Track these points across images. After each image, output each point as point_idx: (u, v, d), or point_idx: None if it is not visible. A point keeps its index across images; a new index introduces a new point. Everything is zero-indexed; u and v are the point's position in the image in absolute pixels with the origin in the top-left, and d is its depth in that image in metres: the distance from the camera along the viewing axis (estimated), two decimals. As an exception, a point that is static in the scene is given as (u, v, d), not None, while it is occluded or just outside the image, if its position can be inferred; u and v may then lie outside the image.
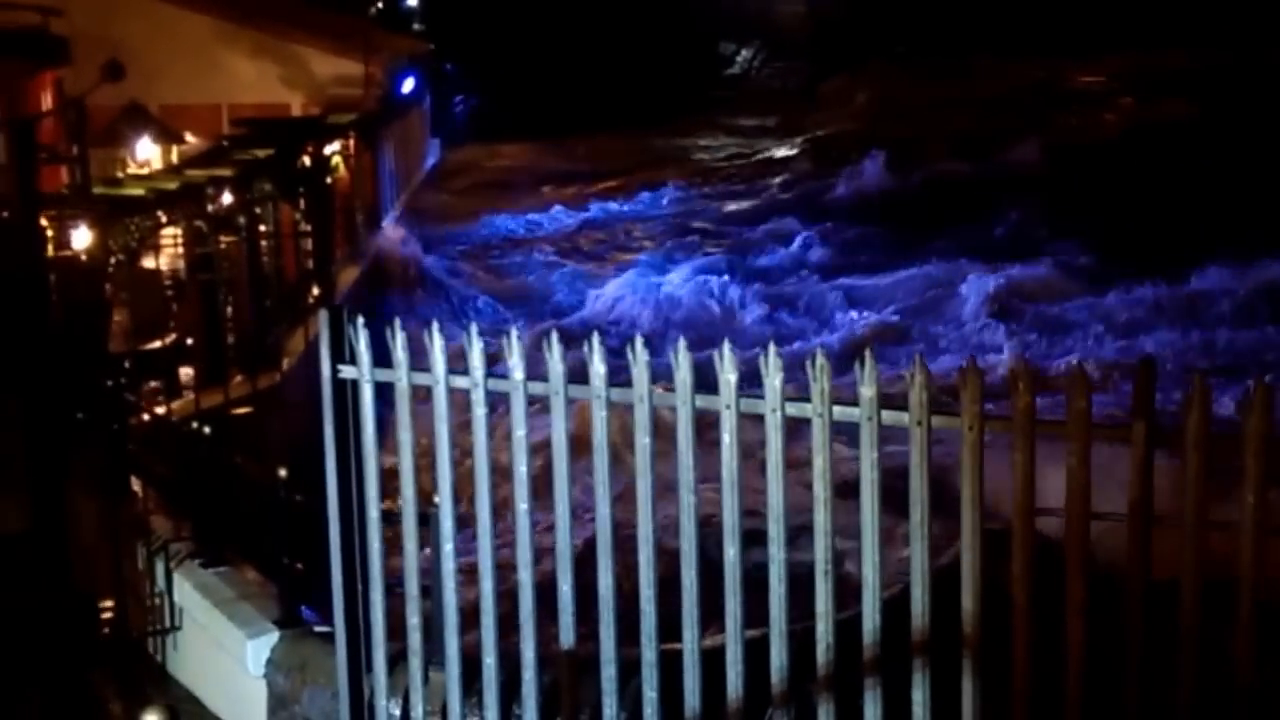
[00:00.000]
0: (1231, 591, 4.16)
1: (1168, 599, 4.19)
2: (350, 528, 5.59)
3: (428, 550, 5.51)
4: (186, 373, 14.16)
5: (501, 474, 5.21)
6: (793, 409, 4.62)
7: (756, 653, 4.77)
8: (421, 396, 5.38)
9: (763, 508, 4.71)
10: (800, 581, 4.64)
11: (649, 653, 4.97)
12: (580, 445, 4.98)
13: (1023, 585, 4.39)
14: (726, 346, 4.72)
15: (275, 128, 19.21)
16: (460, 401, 5.27)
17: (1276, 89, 41.80)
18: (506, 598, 5.28)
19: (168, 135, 20.54)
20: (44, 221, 9.52)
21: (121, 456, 8.58)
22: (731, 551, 4.77)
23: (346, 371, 5.51)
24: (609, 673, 5.09)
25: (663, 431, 4.89)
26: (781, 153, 46.12)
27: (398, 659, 5.62)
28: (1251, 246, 27.37)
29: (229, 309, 14.92)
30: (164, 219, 13.46)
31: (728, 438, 4.74)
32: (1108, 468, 4.39)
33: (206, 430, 7.91)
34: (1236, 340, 24.00)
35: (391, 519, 5.56)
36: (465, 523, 5.37)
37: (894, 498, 4.55)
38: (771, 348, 4.66)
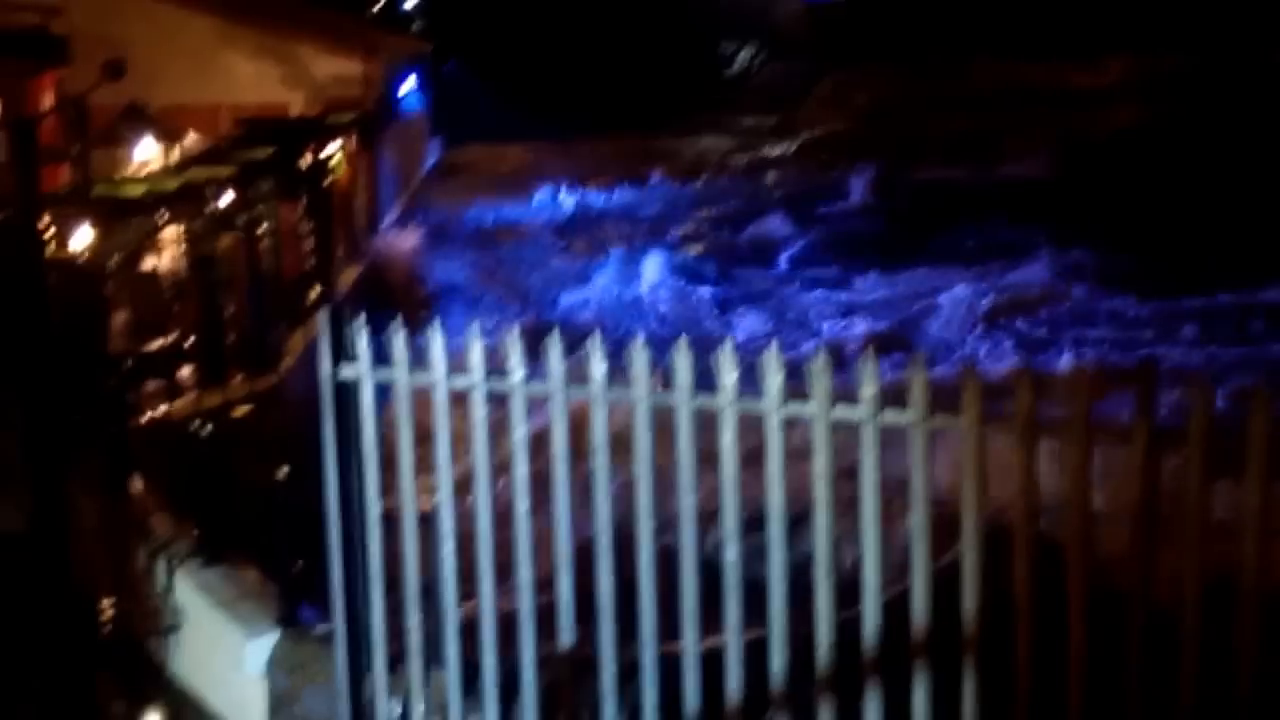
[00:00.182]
0: (1230, 592, 4.16)
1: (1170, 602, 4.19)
2: (350, 527, 5.59)
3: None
4: (186, 373, 14.16)
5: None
6: (793, 409, 4.61)
7: (756, 654, 4.76)
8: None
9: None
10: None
11: (649, 654, 4.97)
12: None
13: (1024, 586, 4.39)
14: (727, 346, 4.72)
15: (275, 128, 19.20)
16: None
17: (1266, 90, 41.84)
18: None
19: (168, 135, 20.52)
20: (44, 221, 9.51)
21: (121, 456, 8.58)
22: (731, 551, 4.77)
23: (346, 371, 5.51)
24: (608, 673, 5.09)
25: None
26: (775, 152, 46.20)
27: (398, 659, 5.62)
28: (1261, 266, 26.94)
29: (229, 309, 14.91)
30: (164, 219, 13.45)
31: (728, 437, 4.74)
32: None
33: (206, 430, 7.91)
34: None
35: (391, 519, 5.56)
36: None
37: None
38: (772, 347, 4.66)
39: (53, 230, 9.91)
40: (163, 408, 10.70)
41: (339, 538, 5.60)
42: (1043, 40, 51.13)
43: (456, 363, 5.26)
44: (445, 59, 41.97)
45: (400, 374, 5.38)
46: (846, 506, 4.58)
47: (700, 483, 4.81)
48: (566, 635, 5.17)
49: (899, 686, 4.52)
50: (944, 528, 4.46)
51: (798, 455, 4.66)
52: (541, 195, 39.74)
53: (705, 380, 4.72)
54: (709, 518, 4.81)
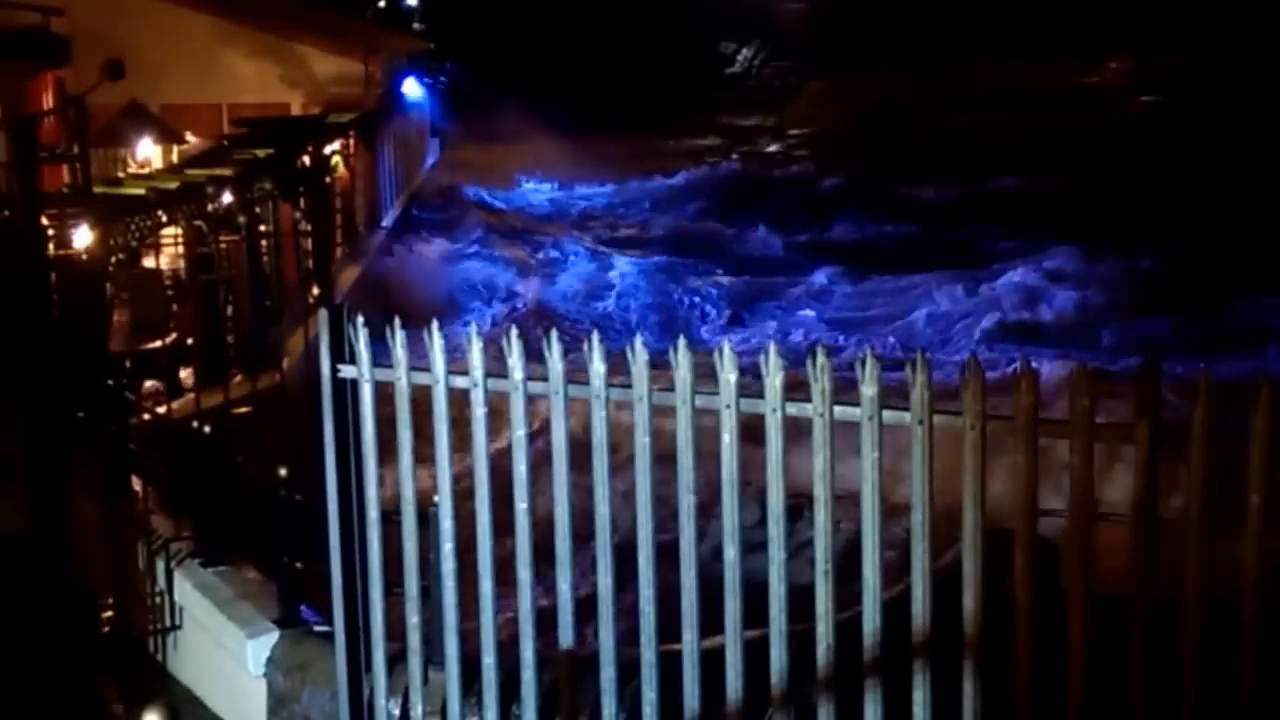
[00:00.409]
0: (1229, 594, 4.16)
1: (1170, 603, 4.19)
2: (350, 527, 5.59)
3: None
4: (186, 373, 14.16)
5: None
6: (793, 409, 4.61)
7: (756, 654, 4.76)
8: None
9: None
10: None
11: (648, 653, 4.97)
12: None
13: (1024, 585, 4.38)
14: (727, 346, 4.72)
15: (275, 127, 19.20)
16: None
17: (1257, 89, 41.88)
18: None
19: (168, 135, 20.53)
20: (45, 221, 9.51)
21: (122, 456, 8.58)
22: (731, 551, 4.77)
23: (346, 371, 5.51)
24: (608, 673, 5.09)
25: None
26: (764, 152, 46.42)
27: (397, 659, 5.62)
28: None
29: (229, 309, 14.91)
30: (164, 219, 13.46)
31: (727, 438, 4.74)
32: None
33: (206, 430, 7.91)
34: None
35: (391, 518, 5.56)
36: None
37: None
38: (772, 347, 4.65)
39: (53, 230, 9.91)
40: (162, 408, 10.69)
41: (339, 537, 5.61)
42: (1044, 42, 51.13)
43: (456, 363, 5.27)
44: (445, 59, 42.00)
45: (400, 374, 5.38)
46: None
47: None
48: (566, 635, 5.17)
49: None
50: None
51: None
52: (525, 189, 40.23)
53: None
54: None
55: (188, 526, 7.56)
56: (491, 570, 5.30)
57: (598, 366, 4.93)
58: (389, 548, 5.54)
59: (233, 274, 14.88)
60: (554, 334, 5.04)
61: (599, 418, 4.97)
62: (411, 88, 32.10)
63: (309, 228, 17.50)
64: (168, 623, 7.47)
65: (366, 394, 5.48)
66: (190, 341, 14.36)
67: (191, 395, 12.63)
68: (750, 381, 4.67)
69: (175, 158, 20.26)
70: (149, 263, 14.86)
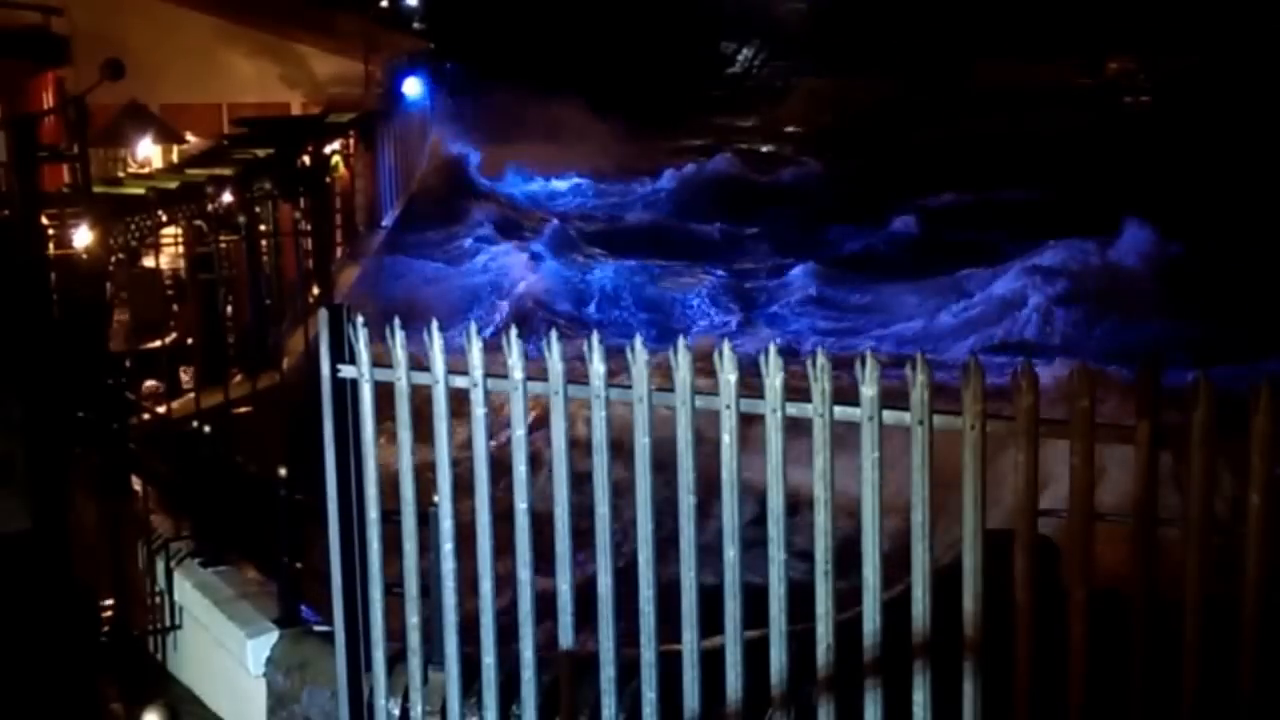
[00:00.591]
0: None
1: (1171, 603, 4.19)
2: (350, 527, 5.59)
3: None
4: (186, 372, 14.15)
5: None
6: (793, 409, 4.61)
7: (756, 653, 4.76)
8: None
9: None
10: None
11: (648, 653, 4.96)
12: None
13: (1025, 585, 4.38)
14: (726, 346, 4.72)
15: (275, 127, 19.19)
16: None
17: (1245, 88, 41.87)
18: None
19: (168, 134, 20.52)
20: (45, 220, 9.51)
21: (122, 456, 8.58)
22: (731, 552, 4.77)
23: (346, 371, 5.50)
24: (608, 673, 5.08)
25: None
26: (755, 151, 46.60)
27: (397, 658, 5.62)
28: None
29: (229, 309, 14.91)
30: (164, 218, 13.45)
31: (727, 438, 4.73)
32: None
33: (206, 430, 7.91)
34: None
35: (391, 518, 5.56)
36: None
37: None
38: (771, 347, 4.65)
39: (53, 229, 9.91)
40: (162, 407, 10.69)
41: (339, 537, 5.60)
42: (1047, 43, 51.12)
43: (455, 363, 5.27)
44: (445, 58, 42.04)
45: (400, 374, 5.38)
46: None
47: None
48: (566, 635, 5.17)
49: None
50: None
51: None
52: (525, 187, 40.46)
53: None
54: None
55: (188, 526, 7.56)
56: (491, 570, 5.30)
57: (597, 366, 4.93)
58: (388, 547, 5.55)
59: (233, 274, 14.87)
60: (554, 334, 5.04)
61: (599, 418, 4.97)
62: (411, 87, 32.09)
63: (309, 228, 17.49)
64: (168, 622, 7.48)
65: (366, 394, 5.48)
66: (190, 341, 14.35)
67: (191, 395, 12.64)
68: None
69: (175, 157, 20.24)
70: (149, 262, 14.86)
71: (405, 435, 5.38)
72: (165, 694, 7.06)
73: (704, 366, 4.73)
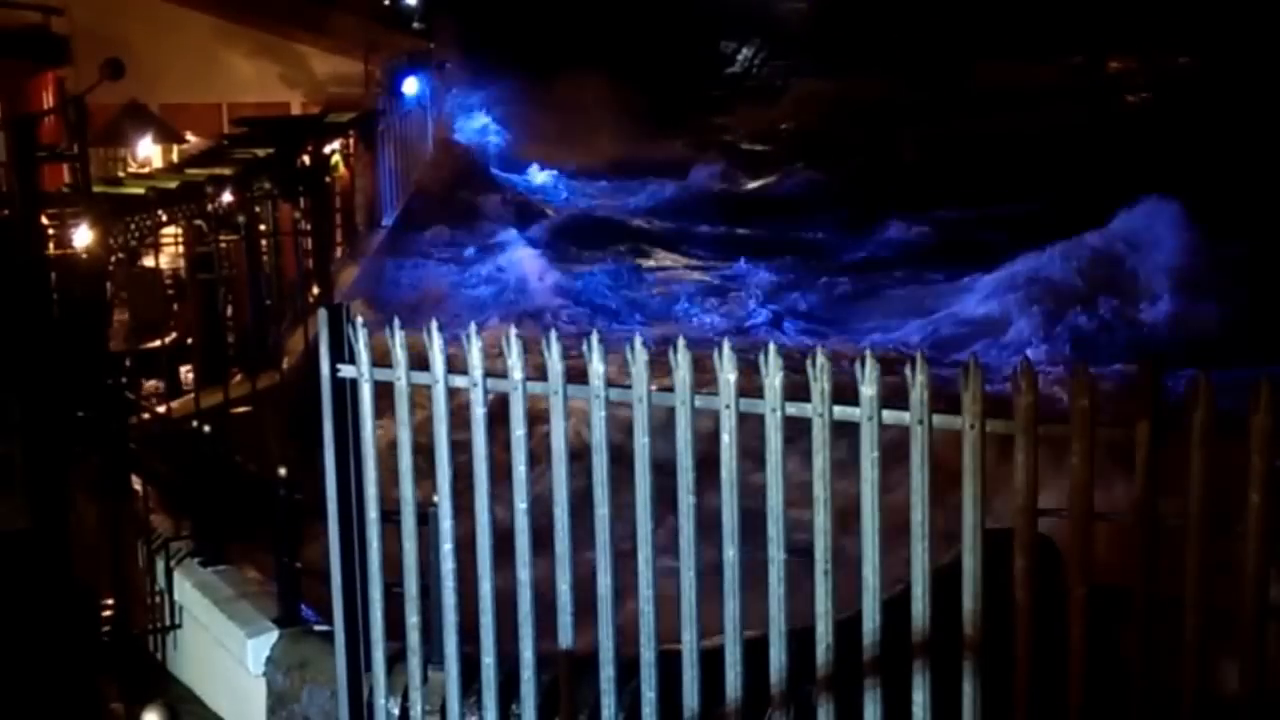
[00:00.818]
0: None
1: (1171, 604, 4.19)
2: (349, 527, 5.59)
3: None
4: (186, 372, 14.15)
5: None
6: (793, 409, 4.61)
7: (756, 653, 4.76)
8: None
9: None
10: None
11: (648, 653, 4.96)
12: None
13: (1024, 585, 4.38)
14: (726, 345, 4.72)
15: (275, 127, 19.18)
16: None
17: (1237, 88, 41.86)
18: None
19: (168, 134, 20.51)
20: (45, 220, 9.51)
21: (122, 455, 8.58)
22: (731, 551, 4.77)
23: (346, 370, 5.50)
24: (607, 673, 5.08)
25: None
26: (748, 150, 46.66)
27: (397, 658, 5.62)
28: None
29: (229, 308, 14.90)
30: (164, 218, 13.44)
31: (727, 438, 4.73)
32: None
33: (206, 429, 7.91)
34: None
35: (391, 518, 5.56)
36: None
37: None
38: (771, 347, 4.65)
39: (53, 229, 9.91)
40: (162, 407, 10.69)
41: (339, 537, 5.60)
42: (1046, 43, 51.05)
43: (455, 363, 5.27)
44: (445, 58, 42.04)
45: (399, 374, 5.38)
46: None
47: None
48: (566, 635, 5.17)
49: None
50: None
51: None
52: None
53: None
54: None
55: (188, 525, 7.56)
56: (491, 570, 5.30)
57: (597, 366, 4.93)
58: (388, 547, 5.55)
59: (233, 274, 14.86)
60: (553, 334, 5.04)
61: (598, 417, 4.97)
62: (411, 86, 32.08)
63: (309, 227, 17.49)
64: (167, 622, 7.48)
65: (366, 394, 5.48)
66: (190, 341, 14.34)
67: (191, 395, 12.64)
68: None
69: (175, 157, 20.23)
70: (149, 262, 14.85)
71: (405, 435, 5.39)
72: (165, 693, 7.06)
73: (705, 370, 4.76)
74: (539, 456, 5.22)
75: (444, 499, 5.39)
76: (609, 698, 5.10)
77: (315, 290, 16.24)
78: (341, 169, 22.82)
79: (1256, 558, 4.10)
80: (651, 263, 32.11)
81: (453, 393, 5.29)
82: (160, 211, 13.08)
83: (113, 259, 11.53)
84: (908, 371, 4.40)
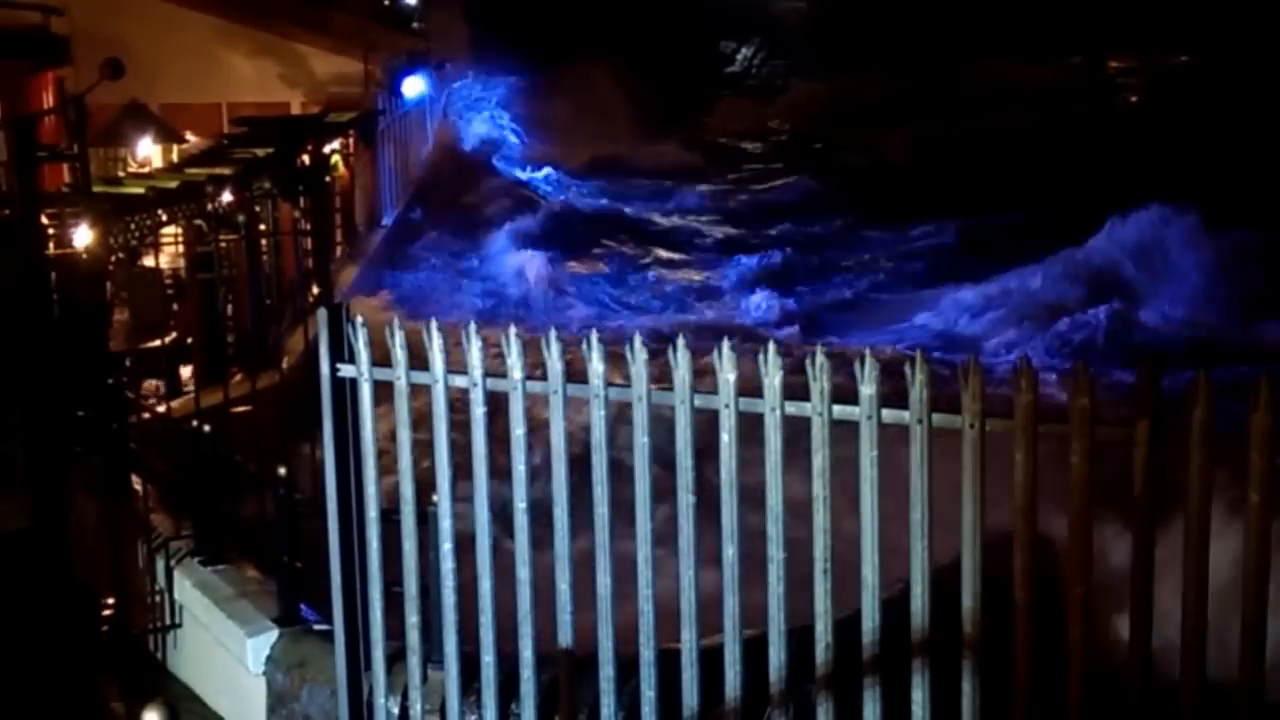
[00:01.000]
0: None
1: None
2: (349, 526, 5.59)
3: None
4: (186, 372, 14.16)
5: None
6: (792, 408, 4.61)
7: (755, 652, 4.76)
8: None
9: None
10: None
11: (647, 652, 4.97)
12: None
13: (1024, 584, 4.38)
14: (726, 345, 4.72)
15: (275, 126, 19.18)
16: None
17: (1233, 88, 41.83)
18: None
19: (168, 134, 20.51)
20: (44, 220, 9.51)
21: (122, 455, 8.58)
22: (731, 551, 4.77)
23: (345, 370, 5.51)
24: (607, 672, 5.09)
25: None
26: (741, 150, 46.67)
27: (396, 657, 5.62)
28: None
29: (229, 308, 14.91)
30: (164, 217, 13.44)
31: (727, 437, 4.74)
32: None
33: (206, 429, 7.91)
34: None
35: (391, 517, 5.56)
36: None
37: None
38: (771, 346, 4.65)
39: (53, 229, 9.91)
40: (162, 407, 10.69)
41: (338, 536, 5.61)
42: (1048, 43, 51.01)
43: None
44: (445, 58, 42.03)
45: (399, 373, 5.38)
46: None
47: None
48: (566, 635, 5.17)
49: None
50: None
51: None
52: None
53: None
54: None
55: (188, 525, 7.56)
56: (491, 570, 5.30)
57: (597, 365, 4.93)
58: (388, 546, 5.55)
59: (232, 273, 14.87)
60: (552, 333, 5.04)
61: (598, 417, 4.97)
62: (411, 86, 32.08)
63: (309, 227, 17.49)
64: (168, 621, 7.48)
65: (366, 393, 5.48)
66: (190, 341, 14.35)
67: (191, 394, 12.64)
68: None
69: (175, 157, 20.24)
70: (149, 262, 14.85)
71: (405, 435, 5.39)
72: (165, 692, 7.06)
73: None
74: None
75: (444, 499, 5.39)
76: (609, 697, 5.10)
77: (315, 290, 16.23)
78: (341, 169, 22.82)
79: (1256, 557, 4.10)
80: (649, 260, 32.12)
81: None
82: (160, 211, 13.09)
83: (113, 259, 11.51)
84: (908, 370, 4.40)
